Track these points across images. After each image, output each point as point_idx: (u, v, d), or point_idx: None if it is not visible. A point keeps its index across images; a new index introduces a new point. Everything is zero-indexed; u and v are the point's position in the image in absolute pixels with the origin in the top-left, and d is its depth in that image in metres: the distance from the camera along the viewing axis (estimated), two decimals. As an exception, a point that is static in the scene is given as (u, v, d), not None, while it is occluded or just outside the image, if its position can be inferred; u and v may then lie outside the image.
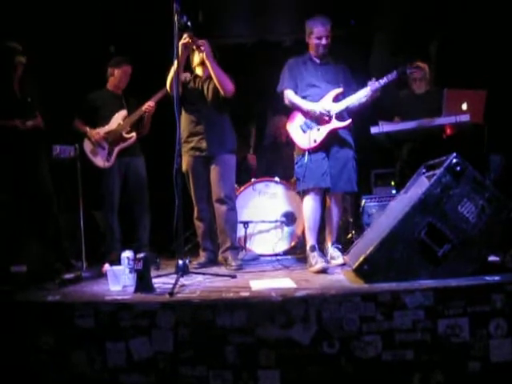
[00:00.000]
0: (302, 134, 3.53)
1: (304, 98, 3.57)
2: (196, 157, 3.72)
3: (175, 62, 3.17)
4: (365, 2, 4.81)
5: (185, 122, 3.73)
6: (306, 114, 3.54)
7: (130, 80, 4.23)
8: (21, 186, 3.68)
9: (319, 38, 3.55)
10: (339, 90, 3.53)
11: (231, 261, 3.58)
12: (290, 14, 5.07)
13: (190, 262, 3.39)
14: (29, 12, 4.22)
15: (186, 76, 3.80)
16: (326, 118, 3.47)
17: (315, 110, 3.47)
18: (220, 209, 3.70)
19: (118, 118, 4.13)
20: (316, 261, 3.23)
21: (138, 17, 4.46)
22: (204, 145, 3.69)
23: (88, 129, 4.10)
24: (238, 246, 3.85)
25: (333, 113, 3.48)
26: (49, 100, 3.96)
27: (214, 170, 3.71)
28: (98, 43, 4.84)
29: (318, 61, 3.64)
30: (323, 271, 3.14)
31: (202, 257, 3.82)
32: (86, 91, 4.23)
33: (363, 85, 3.51)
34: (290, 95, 3.61)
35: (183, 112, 3.75)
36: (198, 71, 3.82)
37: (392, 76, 3.47)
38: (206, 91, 3.74)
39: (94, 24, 4.63)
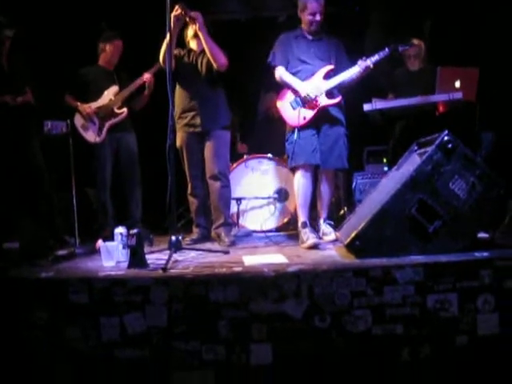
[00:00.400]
0: (292, 111, 3.50)
1: (294, 74, 3.53)
2: (190, 133, 3.69)
3: (167, 35, 3.13)
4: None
5: (179, 97, 3.70)
6: (295, 92, 3.51)
7: (122, 55, 4.18)
8: (12, 162, 3.65)
9: (313, 14, 3.50)
10: (330, 67, 3.51)
11: (224, 237, 3.59)
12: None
13: (183, 238, 3.43)
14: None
15: (180, 52, 3.75)
16: (312, 103, 3.45)
17: (301, 92, 3.46)
18: (214, 185, 3.69)
19: (110, 94, 4.09)
20: (307, 237, 3.26)
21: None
22: (198, 121, 3.66)
23: (79, 103, 4.06)
24: (231, 223, 3.86)
25: (323, 90, 3.45)
26: (39, 75, 3.90)
27: (208, 147, 3.68)
28: (89, 18, 4.75)
29: (310, 37, 3.59)
30: (315, 247, 3.17)
31: (195, 233, 3.83)
32: (77, 66, 4.17)
33: (354, 62, 3.48)
34: (281, 72, 3.57)
35: (177, 87, 3.71)
36: (192, 45, 3.77)
37: (383, 53, 3.45)
38: (199, 65, 3.69)
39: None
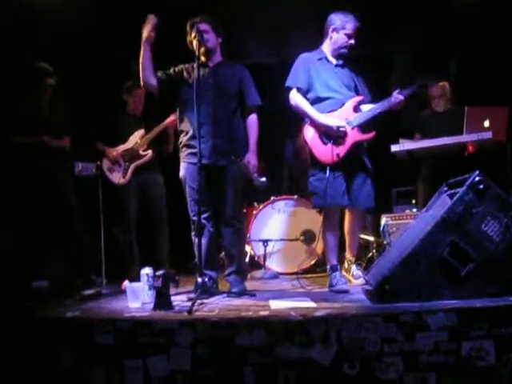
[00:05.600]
0: (323, 147, 3.26)
1: (322, 100, 3.31)
2: (196, 164, 3.07)
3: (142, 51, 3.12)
4: (384, 24, 4.82)
5: (186, 122, 3.31)
6: (320, 126, 3.26)
7: (151, 99, 4.28)
8: (46, 201, 3.77)
9: (349, 36, 3.28)
10: (359, 99, 3.33)
11: (233, 286, 3.26)
12: (311, 34, 5.11)
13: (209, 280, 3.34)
14: (60, 36, 4.34)
15: (187, 67, 3.36)
16: (343, 134, 3.23)
17: (332, 125, 3.21)
18: (225, 231, 3.30)
19: (136, 137, 4.20)
20: (337, 281, 3.19)
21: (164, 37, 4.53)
22: (208, 151, 3.20)
23: (106, 148, 4.18)
24: (244, 270, 3.47)
25: (355, 124, 3.26)
26: (75, 119, 4.06)
27: (220, 184, 3.27)
28: (120, 61, 4.93)
29: (333, 61, 3.38)
30: (344, 292, 3.09)
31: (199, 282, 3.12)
32: (107, 111, 4.31)
33: (383, 97, 3.36)
34: (298, 99, 3.31)
35: (185, 110, 3.33)
36: (203, 58, 3.30)
37: (415, 88, 3.32)
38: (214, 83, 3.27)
39: (117, 42, 4.72)
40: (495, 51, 4.53)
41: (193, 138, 3.22)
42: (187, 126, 3.29)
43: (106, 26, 4.51)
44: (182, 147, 3.35)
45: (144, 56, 3.19)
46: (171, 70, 3.39)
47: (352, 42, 3.32)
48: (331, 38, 3.37)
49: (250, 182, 4.16)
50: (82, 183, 4.04)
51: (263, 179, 4.67)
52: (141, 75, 3.24)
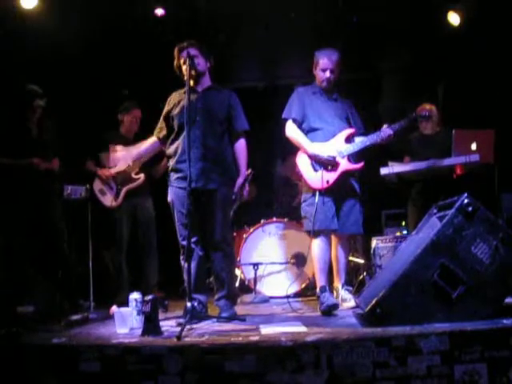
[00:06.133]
0: (314, 173, 3.43)
1: (315, 131, 3.48)
2: (185, 188, 3.02)
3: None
4: (372, 48, 4.91)
5: (175, 145, 3.29)
6: (311, 156, 3.44)
7: (145, 121, 4.29)
8: (32, 225, 3.72)
9: (323, 70, 3.48)
10: (351, 131, 3.48)
11: (223, 311, 3.22)
12: (302, 58, 5.19)
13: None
14: (50, 59, 4.37)
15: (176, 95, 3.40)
16: (333, 162, 3.38)
17: (322, 156, 3.38)
18: (214, 255, 3.26)
19: (128, 160, 4.18)
20: (326, 299, 3.19)
21: (151, 61, 4.57)
22: (195, 175, 3.14)
23: (99, 168, 4.16)
24: (234, 295, 3.42)
25: (345, 154, 3.41)
26: (64, 141, 4.05)
27: (208, 208, 3.22)
28: (111, 87, 4.96)
29: (327, 94, 3.56)
30: (334, 307, 3.12)
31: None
32: (99, 133, 4.31)
33: (374, 129, 3.48)
34: (292, 130, 3.50)
35: (173, 133, 3.33)
36: (191, 83, 3.23)
37: (404, 123, 3.46)
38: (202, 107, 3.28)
39: (108, 68, 4.76)
40: (480, 77, 4.61)
41: (180, 162, 3.22)
42: (175, 150, 3.29)
43: (100, 47, 4.55)
44: (170, 171, 3.34)
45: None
46: (162, 117, 3.41)
47: (327, 75, 3.49)
48: (314, 74, 3.59)
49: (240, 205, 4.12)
50: (71, 206, 4.01)
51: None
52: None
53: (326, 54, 3.49)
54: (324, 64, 3.48)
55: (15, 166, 3.69)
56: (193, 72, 3.19)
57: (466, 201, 2.56)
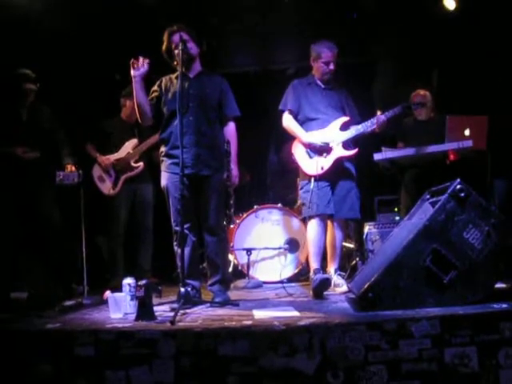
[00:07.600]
0: (309, 160, 3.52)
1: (310, 121, 3.56)
2: (178, 174, 2.99)
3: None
4: (367, 33, 4.88)
5: (169, 131, 3.26)
6: (306, 144, 3.52)
7: None
8: (25, 212, 3.69)
9: (326, 64, 3.54)
10: (346, 119, 3.54)
11: (217, 295, 3.22)
12: (294, 43, 5.14)
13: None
14: (43, 42, 4.30)
15: (167, 79, 3.34)
16: (327, 149, 3.46)
17: (315, 143, 3.46)
18: (209, 240, 3.26)
19: (128, 147, 4.17)
20: (318, 276, 3.23)
21: (146, 46, 4.52)
22: (190, 160, 3.16)
23: (98, 154, 4.13)
24: (228, 280, 3.45)
25: (339, 141, 3.47)
26: (63, 126, 3.99)
27: (202, 193, 3.23)
28: (104, 71, 4.90)
29: (322, 85, 3.64)
30: (326, 281, 3.19)
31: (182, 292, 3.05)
32: (98, 117, 4.27)
33: (367, 115, 3.53)
34: (288, 120, 3.60)
35: (166, 119, 3.29)
36: (185, 69, 3.18)
37: (398, 110, 3.52)
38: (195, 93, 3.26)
39: (101, 53, 4.69)
40: (475, 63, 4.60)
41: (175, 147, 3.18)
42: (168, 136, 3.26)
43: (96, 29, 4.47)
44: (164, 157, 3.31)
45: (137, 95, 3.19)
46: (155, 86, 3.35)
47: (331, 67, 3.55)
48: (313, 67, 3.64)
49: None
50: (64, 191, 3.98)
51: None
52: (137, 112, 3.27)
53: (327, 47, 3.54)
54: (327, 57, 3.54)
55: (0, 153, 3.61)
56: (185, 57, 3.13)
57: (458, 186, 2.58)
